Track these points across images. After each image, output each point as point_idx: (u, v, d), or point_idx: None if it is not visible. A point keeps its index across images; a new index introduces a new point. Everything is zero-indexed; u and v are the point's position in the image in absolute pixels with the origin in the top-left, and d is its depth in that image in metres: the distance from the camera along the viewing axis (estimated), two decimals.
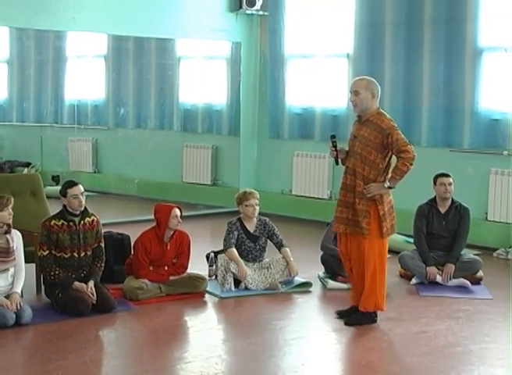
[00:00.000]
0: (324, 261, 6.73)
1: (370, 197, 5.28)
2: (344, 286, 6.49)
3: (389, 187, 5.32)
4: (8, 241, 5.46)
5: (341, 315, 5.64)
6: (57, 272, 5.71)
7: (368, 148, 5.28)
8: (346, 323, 5.47)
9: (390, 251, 7.50)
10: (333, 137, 5.48)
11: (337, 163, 5.57)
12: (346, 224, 5.40)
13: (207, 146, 10.38)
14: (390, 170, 5.34)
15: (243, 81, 10.17)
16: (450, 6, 8.25)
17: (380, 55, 8.89)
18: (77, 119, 10.30)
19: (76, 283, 5.70)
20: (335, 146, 5.46)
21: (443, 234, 6.76)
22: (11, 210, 5.47)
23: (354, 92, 5.35)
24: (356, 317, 5.50)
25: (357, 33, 9.10)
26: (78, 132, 10.41)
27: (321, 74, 9.53)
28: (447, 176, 6.76)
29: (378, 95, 5.37)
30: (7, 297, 5.37)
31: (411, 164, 5.23)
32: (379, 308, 5.50)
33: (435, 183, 6.80)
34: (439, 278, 6.60)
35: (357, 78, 5.57)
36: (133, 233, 6.52)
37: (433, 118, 8.48)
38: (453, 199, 6.81)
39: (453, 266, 6.63)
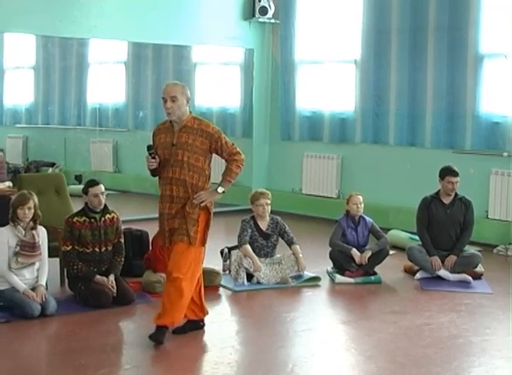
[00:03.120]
0: (332, 257, 6.71)
1: (203, 205, 4.81)
2: (351, 280, 6.49)
3: (223, 192, 4.89)
4: (34, 236, 5.48)
5: (178, 331, 5.05)
6: (79, 266, 5.73)
7: (196, 154, 4.78)
8: (153, 339, 4.81)
9: (395, 247, 7.56)
10: (150, 148, 4.85)
11: (155, 175, 4.97)
12: (173, 235, 4.85)
13: None
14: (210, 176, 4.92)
15: (256, 86, 10.17)
16: (453, 14, 8.22)
17: (386, 61, 8.88)
18: (99, 121, 10.34)
19: (98, 277, 5.72)
20: (153, 157, 4.82)
21: (448, 224, 6.67)
22: (32, 206, 5.47)
23: (171, 98, 4.73)
24: (161, 332, 4.85)
25: (364, 41, 9.08)
26: (99, 134, 10.44)
27: (329, 79, 9.52)
28: (455, 175, 6.68)
29: (190, 100, 4.86)
30: (33, 289, 5.41)
31: (243, 165, 4.89)
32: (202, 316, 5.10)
33: (442, 178, 6.73)
34: (442, 272, 6.57)
35: (171, 83, 4.90)
36: (152, 230, 6.49)
37: (437, 121, 8.45)
38: (456, 192, 6.78)
39: (456, 258, 6.60)
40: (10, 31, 8.65)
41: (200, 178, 4.83)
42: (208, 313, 5.18)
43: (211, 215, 4.92)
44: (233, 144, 4.89)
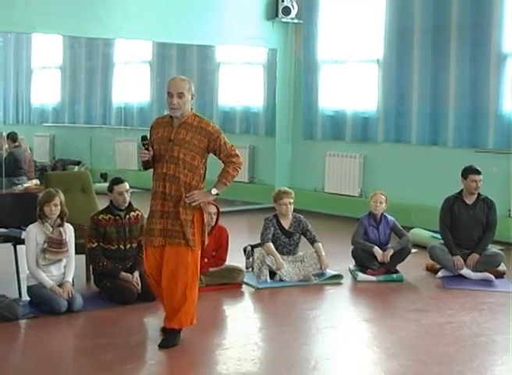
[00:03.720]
0: (354, 255, 6.69)
1: (194, 205, 4.62)
2: (373, 278, 6.47)
3: (217, 194, 4.71)
4: (61, 233, 5.53)
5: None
6: (105, 263, 5.77)
7: (192, 152, 4.58)
8: (162, 346, 4.68)
9: (417, 246, 7.52)
10: (144, 138, 4.68)
11: (147, 168, 4.79)
12: (165, 236, 4.64)
13: (244, 146, 10.37)
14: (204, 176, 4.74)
15: (279, 85, 10.17)
16: (476, 13, 8.15)
17: (408, 60, 8.83)
18: (124, 120, 10.38)
19: (123, 274, 5.76)
20: (147, 149, 4.65)
21: (471, 225, 6.62)
22: (58, 203, 5.51)
23: (178, 94, 4.55)
24: (172, 336, 4.75)
25: (386, 40, 9.05)
26: (124, 133, 10.49)
27: (352, 79, 9.50)
28: (479, 173, 6.62)
29: (194, 97, 4.69)
30: (60, 286, 5.45)
31: (240, 169, 4.72)
32: (193, 323, 4.80)
33: (465, 178, 6.66)
34: (464, 271, 6.52)
35: (178, 78, 4.67)
36: None
37: (459, 120, 8.39)
38: (479, 192, 6.71)
39: (478, 256, 6.55)
40: (38, 32, 8.74)
41: (194, 177, 4.64)
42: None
43: (206, 215, 4.75)
44: (232, 146, 4.69)
